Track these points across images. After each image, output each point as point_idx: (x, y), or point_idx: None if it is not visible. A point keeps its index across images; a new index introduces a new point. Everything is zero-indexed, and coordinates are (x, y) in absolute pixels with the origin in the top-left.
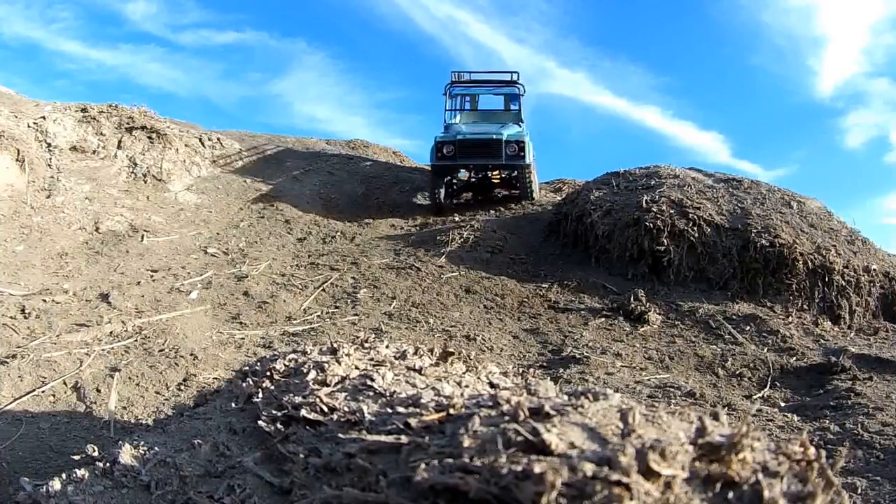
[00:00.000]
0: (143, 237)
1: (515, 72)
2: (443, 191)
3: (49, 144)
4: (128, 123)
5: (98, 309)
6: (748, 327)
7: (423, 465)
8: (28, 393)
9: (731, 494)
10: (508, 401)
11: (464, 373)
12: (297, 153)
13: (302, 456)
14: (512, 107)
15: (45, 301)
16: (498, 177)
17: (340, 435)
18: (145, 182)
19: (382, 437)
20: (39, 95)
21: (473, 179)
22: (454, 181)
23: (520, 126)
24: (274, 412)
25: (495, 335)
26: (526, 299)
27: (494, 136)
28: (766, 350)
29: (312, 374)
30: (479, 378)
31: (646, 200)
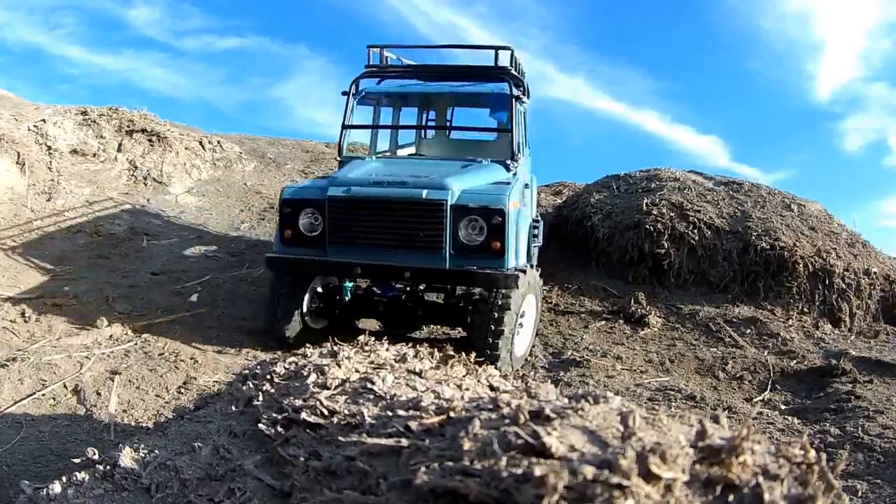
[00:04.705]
0: (143, 240)
1: (506, 46)
2: (294, 316)
3: (49, 147)
4: (128, 126)
5: (98, 312)
6: (748, 330)
7: (423, 469)
8: (28, 396)
9: (731, 497)
10: (509, 404)
11: (464, 376)
12: (296, 156)
13: (302, 459)
14: (495, 122)
15: (45, 304)
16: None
17: (341, 438)
18: (146, 185)
19: (383, 440)
20: (42, 100)
21: (376, 295)
22: (323, 294)
23: (509, 169)
24: (274, 415)
25: None
26: None
27: (426, 197)
28: (766, 353)
29: (313, 378)
30: (479, 381)
31: (646, 203)
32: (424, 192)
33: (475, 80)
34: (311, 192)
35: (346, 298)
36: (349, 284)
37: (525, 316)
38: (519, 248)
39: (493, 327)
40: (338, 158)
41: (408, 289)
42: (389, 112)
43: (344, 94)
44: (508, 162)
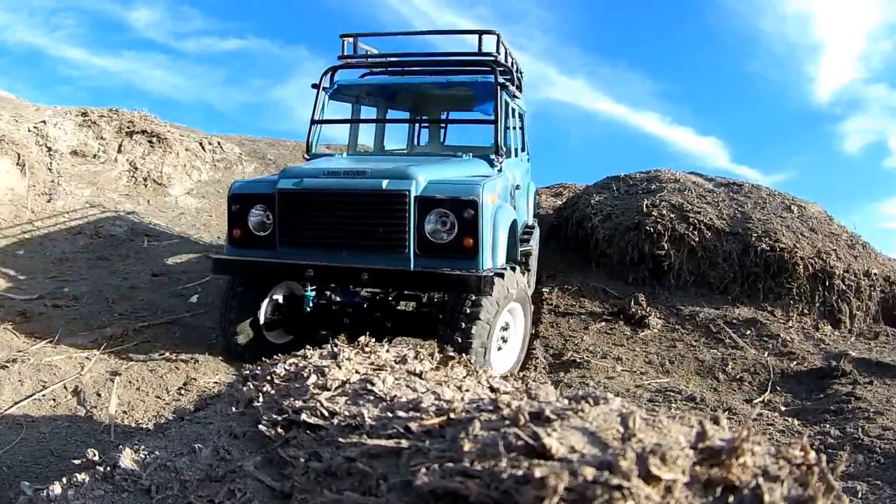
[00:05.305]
0: (143, 241)
1: (492, 31)
2: (244, 325)
3: (49, 148)
4: (128, 128)
5: (99, 313)
6: (749, 331)
7: (423, 470)
8: (28, 397)
9: (731, 499)
10: (509, 405)
11: (464, 377)
12: (297, 158)
13: (302, 460)
14: (484, 115)
15: (45, 305)
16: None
17: (341, 439)
18: (146, 186)
19: (383, 442)
20: (42, 101)
21: (335, 304)
22: (283, 305)
23: (493, 164)
24: (274, 416)
25: None
26: None
27: (386, 187)
28: (766, 354)
29: (313, 379)
30: (479, 382)
31: (646, 205)
32: (384, 183)
33: (458, 70)
34: (261, 187)
35: (308, 308)
36: (311, 293)
37: (509, 328)
38: (497, 249)
39: (459, 339)
40: (306, 157)
41: (378, 297)
42: (373, 112)
43: (314, 86)
44: (492, 157)
